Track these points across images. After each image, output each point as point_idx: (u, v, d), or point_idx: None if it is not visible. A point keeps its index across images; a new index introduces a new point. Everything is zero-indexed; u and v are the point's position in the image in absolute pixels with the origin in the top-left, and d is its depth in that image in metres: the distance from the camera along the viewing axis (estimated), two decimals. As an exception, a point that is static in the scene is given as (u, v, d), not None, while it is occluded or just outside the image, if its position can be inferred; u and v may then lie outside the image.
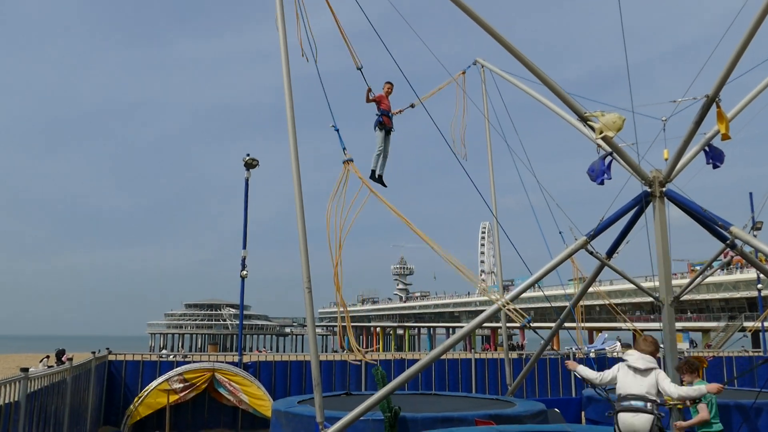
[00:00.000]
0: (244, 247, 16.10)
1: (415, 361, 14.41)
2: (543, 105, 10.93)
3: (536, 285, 8.70)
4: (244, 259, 16.11)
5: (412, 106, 11.05)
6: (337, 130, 8.60)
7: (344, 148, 8.51)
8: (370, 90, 9.72)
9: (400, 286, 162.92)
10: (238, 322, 30.93)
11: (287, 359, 17.04)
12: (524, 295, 9.19)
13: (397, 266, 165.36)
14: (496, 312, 8.35)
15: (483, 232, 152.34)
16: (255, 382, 15.72)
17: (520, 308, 8.07)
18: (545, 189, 10.22)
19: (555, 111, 10.72)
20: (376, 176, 9.98)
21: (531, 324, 7.87)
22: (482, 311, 8.53)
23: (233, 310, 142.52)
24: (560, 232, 10.10)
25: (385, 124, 10.17)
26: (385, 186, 10.03)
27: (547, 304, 73.00)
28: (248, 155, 16.28)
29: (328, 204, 8.07)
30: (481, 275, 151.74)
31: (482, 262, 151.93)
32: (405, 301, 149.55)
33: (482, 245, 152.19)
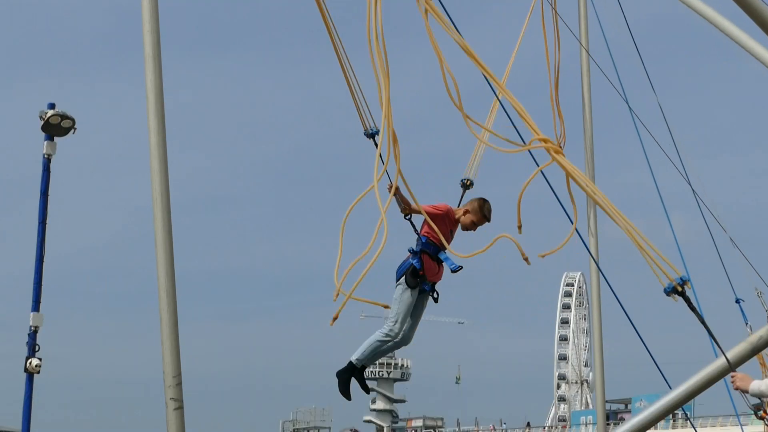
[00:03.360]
0: (36, 308, 7.54)
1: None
2: (716, 27, 5.28)
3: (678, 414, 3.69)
4: (34, 333, 7.41)
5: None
6: None
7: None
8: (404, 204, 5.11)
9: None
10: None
11: None
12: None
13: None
14: None
15: (568, 290, 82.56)
16: None
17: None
18: (703, 203, 5.31)
19: (743, 45, 5.06)
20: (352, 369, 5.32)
21: None
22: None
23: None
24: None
25: (420, 275, 5.09)
26: (367, 392, 5.88)
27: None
28: (52, 107, 7.50)
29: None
30: (558, 373, 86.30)
31: (563, 359, 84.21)
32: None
33: (564, 321, 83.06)
